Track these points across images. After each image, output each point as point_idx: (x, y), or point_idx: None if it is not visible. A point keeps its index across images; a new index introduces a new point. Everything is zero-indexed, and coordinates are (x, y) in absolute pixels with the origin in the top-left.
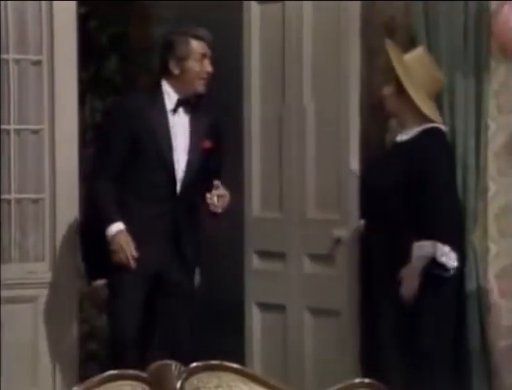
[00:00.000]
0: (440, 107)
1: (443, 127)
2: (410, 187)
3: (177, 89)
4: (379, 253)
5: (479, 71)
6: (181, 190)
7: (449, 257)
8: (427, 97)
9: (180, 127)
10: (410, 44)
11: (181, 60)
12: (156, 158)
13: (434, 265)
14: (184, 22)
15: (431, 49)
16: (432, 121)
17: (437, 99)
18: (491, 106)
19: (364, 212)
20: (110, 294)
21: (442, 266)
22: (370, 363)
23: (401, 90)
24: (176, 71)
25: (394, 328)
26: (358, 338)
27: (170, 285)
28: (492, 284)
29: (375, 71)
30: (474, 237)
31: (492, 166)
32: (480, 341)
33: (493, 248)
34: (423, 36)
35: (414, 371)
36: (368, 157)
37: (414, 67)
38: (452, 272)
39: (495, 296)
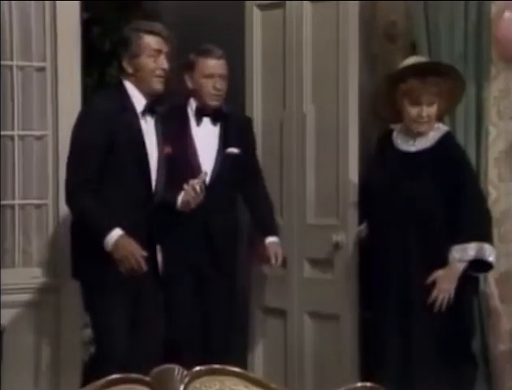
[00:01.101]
0: None
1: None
2: (447, 193)
3: (138, 89)
4: (412, 259)
5: (480, 78)
6: (156, 197)
7: (494, 257)
8: None
9: (148, 131)
10: (411, 49)
11: (134, 57)
12: (133, 163)
13: (473, 267)
14: (188, 27)
15: (432, 54)
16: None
17: None
18: (491, 112)
19: (382, 221)
20: (95, 318)
21: (480, 268)
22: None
23: (439, 109)
24: (130, 70)
25: (431, 331)
26: (357, 342)
27: (146, 296)
28: (493, 289)
29: (377, 76)
30: None
31: (492, 172)
32: (481, 345)
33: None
34: (424, 42)
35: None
36: (377, 170)
37: None
38: (488, 272)
39: (495, 300)
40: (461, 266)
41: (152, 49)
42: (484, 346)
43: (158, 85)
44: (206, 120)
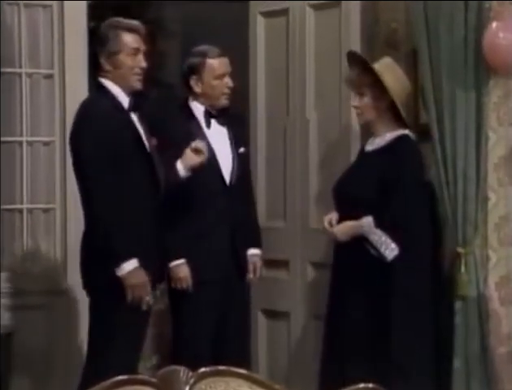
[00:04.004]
0: (441, 119)
1: (411, 135)
2: (381, 196)
3: (118, 85)
4: (348, 256)
5: (480, 84)
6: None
7: (392, 251)
8: (400, 104)
9: (137, 125)
10: (412, 56)
11: (112, 55)
12: (137, 159)
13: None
14: (192, 36)
15: (432, 61)
16: (403, 128)
17: (438, 111)
18: (491, 118)
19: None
20: (109, 330)
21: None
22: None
23: (377, 99)
24: (108, 67)
25: (364, 328)
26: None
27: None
28: (492, 292)
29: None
30: (474, 246)
31: (492, 177)
32: (480, 348)
33: (493, 256)
34: (425, 48)
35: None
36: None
37: (386, 75)
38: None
39: (495, 303)
40: (358, 229)
41: (130, 47)
42: (484, 348)
43: (136, 83)
44: (213, 122)
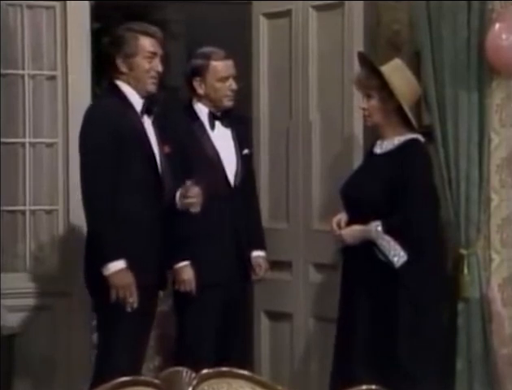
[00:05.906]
0: (443, 120)
1: (421, 139)
2: (390, 200)
3: (133, 88)
4: (358, 260)
5: (482, 86)
6: (167, 194)
7: (400, 258)
8: (409, 107)
9: (149, 128)
10: (415, 58)
11: (129, 57)
12: (142, 162)
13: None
14: (194, 38)
15: (435, 63)
16: (412, 132)
17: (441, 112)
18: (493, 119)
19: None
20: (110, 327)
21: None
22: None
23: (384, 102)
24: (124, 69)
25: (371, 331)
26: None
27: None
28: (495, 293)
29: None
30: (477, 247)
31: (494, 178)
32: (483, 349)
33: (496, 258)
34: (428, 51)
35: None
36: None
37: (395, 78)
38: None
39: (498, 305)
40: (367, 234)
41: (147, 51)
42: (487, 350)
43: (151, 87)
44: (218, 124)
